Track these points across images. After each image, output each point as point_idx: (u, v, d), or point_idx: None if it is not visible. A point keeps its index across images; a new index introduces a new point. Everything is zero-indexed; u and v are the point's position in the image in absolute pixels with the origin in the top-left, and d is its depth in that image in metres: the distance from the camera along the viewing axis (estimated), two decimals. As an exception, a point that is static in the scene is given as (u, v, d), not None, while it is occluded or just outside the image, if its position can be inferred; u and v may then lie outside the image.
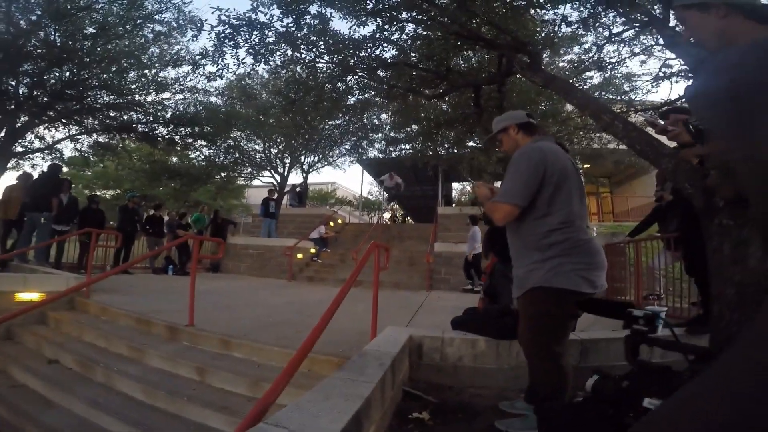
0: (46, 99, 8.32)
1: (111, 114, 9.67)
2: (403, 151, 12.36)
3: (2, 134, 8.11)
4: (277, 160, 15.35)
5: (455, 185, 19.81)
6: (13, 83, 7.79)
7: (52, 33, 7.44)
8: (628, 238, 4.91)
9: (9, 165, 8.56)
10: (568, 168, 1.73)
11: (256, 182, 16.61)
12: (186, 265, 7.99)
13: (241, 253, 9.49)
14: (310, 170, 16.21)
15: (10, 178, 9.83)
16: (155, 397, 2.83)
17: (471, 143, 8.71)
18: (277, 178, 15.26)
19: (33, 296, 4.60)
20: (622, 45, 6.48)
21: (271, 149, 14.99)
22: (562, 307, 1.61)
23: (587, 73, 7.53)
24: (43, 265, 6.02)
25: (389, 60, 6.17)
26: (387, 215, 24.92)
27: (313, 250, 9.40)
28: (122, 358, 3.46)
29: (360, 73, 6.55)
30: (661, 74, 6.65)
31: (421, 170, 12.30)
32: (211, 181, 13.83)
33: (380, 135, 14.10)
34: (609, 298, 4.23)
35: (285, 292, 6.59)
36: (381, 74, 6.64)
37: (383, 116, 12.77)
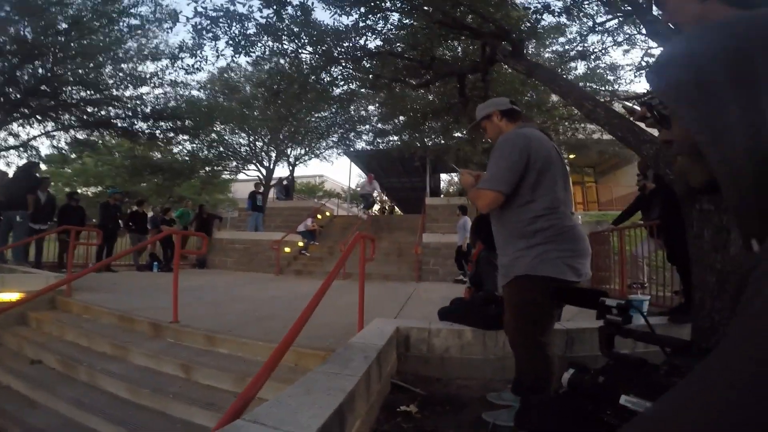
0: (18, 95, 8.03)
1: (88, 110, 9.38)
2: (391, 143, 12.29)
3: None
4: (263, 153, 15.13)
5: (443, 176, 19.86)
6: None
7: (22, 28, 7.15)
8: (612, 226, 4.98)
9: None
10: (552, 154, 1.72)
11: (242, 176, 16.38)
12: (171, 262, 7.85)
13: (227, 248, 9.37)
14: (297, 163, 16.03)
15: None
16: (140, 395, 2.80)
17: (457, 134, 8.70)
18: (264, 171, 15.05)
19: (12, 296, 4.47)
20: (605, 35, 6.52)
21: (257, 142, 14.75)
22: (547, 295, 1.61)
23: (572, 64, 7.56)
24: (21, 265, 5.84)
25: (373, 50, 6.09)
26: (376, 207, 24.89)
27: (300, 244, 9.33)
28: (105, 356, 3.40)
29: (344, 64, 6.46)
30: (643, 64, 6.72)
31: (408, 161, 12.27)
32: (195, 175, 13.57)
33: (367, 127, 13.99)
34: (591, 287, 4.29)
35: (272, 286, 6.54)
36: (366, 64, 6.55)
37: (370, 108, 12.66)
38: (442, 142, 9.08)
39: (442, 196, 17.83)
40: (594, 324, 2.65)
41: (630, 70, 7.82)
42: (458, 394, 2.19)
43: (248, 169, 15.62)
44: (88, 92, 9.03)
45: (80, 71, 8.36)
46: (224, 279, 7.26)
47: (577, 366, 0.83)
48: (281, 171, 15.65)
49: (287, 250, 9.03)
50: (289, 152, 15.52)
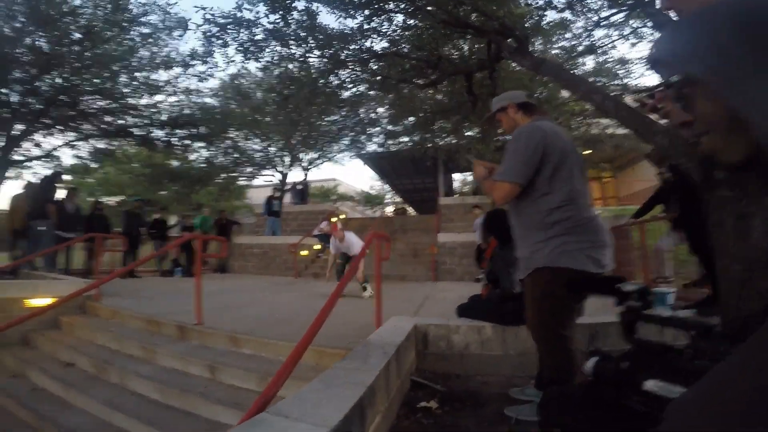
0: (39, 106, 8.31)
1: (106, 119, 9.65)
2: (402, 144, 12.32)
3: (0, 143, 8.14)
4: (277, 158, 15.33)
5: (456, 176, 19.76)
6: (5, 91, 7.77)
7: (39, 39, 7.40)
8: (633, 219, 4.88)
9: (9, 174, 8.59)
10: (568, 147, 1.71)
11: (257, 182, 16.64)
12: (192, 267, 8.05)
13: (246, 253, 9.53)
14: (310, 167, 16.19)
15: (13, 187, 9.91)
16: (168, 396, 2.88)
17: (468, 132, 8.67)
18: (278, 176, 15.27)
19: (44, 301, 4.65)
20: (611, 29, 6.44)
21: (270, 148, 14.97)
22: (567, 288, 1.59)
23: (580, 59, 7.48)
24: (51, 272, 6.08)
25: (379, 52, 6.13)
26: (390, 208, 24.96)
27: (317, 247, 9.42)
28: (135, 358, 3.51)
29: (351, 67, 6.52)
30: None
31: (419, 162, 12.27)
32: (211, 182, 13.84)
33: (378, 129, 14.05)
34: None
35: (291, 288, 6.63)
36: (373, 66, 6.60)
37: (380, 110, 12.73)
38: (454, 141, 9.06)
39: (456, 195, 17.74)
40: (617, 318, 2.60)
41: (639, 64, 7.69)
42: (478, 391, 2.19)
43: (263, 175, 15.86)
44: (106, 102, 9.29)
45: (96, 81, 8.59)
46: (244, 283, 7.39)
47: (600, 354, 0.83)
48: (296, 175, 15.84)
49: (304, 253, 9.13)
50: (302, 156, 15.68)
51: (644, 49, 7.40)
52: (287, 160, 15.27)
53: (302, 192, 14.07)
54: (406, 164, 13.94)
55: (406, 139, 11.82)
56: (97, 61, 8.01)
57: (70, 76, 8.10)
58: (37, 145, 9.71)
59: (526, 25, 5.34)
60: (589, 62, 7.72)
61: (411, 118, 9.59)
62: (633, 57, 8.66)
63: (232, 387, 2.85)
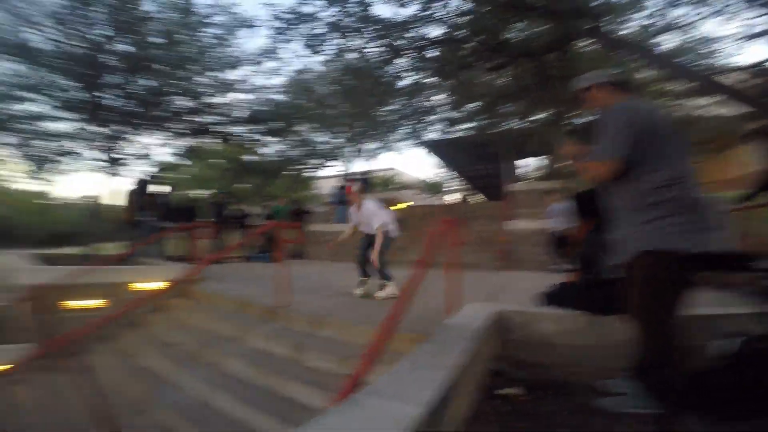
0: (135, 109, 9.28)
1: (191, 118, 10.58)
2: (464, 130, 12.07)
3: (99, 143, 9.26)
4: (341, 149, 15.83)
5: (524, 161, 18.77)
6: (100, 95, 8.76)
7: (122, 44, 8.19)
8: (741, 205, 4.28)
9: (112, 172, 9.79)
10: (665, 125, 1.60)
11: (325, 172, 17.37)
12: (273, 253, 8.70)
13: (320, 240, 10.02)
14: (372, 157, 16.50)
15: (122, 184, 11.34)
16: (257, 375, 3.09)
17: (537, 116, 8.19)
18: (344, 167, 15.80)
19: (156, 285, 5.26)
20: (697, 4, 5.59)
21: (335, 139, 15.48)
22: (672, 271, 1.48)
23: (662, 37, 6.64)
24: (156, 259, 6.94)
25: (438, 39, 6.00)
26: (455, 196, 24.53)
27: (383, 234, 9.57)
28: (228, 339, 3.80)
29: (409, 55, 6.47)
30: (746, 35, 5.61)
31: (483, 147, 11.89)
32: (283, 174, 14.71)
33: (439, 116, 13.85)
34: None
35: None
36: (431, 54, 6.49)
37: (440, 97, 12.53)
38: (521, 125, 8.64)
39: (525, 181, 16.89)
40: (722, 310, 2.34)
41: (730, 43, 6.61)
42: (563, 381, 2.13)
43: (329, 166, 16.49)
44: (189, 102, 10.12)
45: (179, 82, 9.39)
46: (318, 268, 7.76)
47: (747, 334, 0.77)
48: (359, 166, 16.37)
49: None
50: (364, 147, 16.01)
51: (735, 26, 6.38)
52: (351, 150, 15.70)
53: (366, 181, 14.40)
54: (469, 150, 13.54)
55: (467, 125, 11.57)
56: (177, 64, 8.78)
57: (155, 79, 8.97)
58: (133, 144, 10.94)
59: (599, 4, 4.86)
60: (671, 40, 6.83)
61: (473, 104, 9.35)
62: (721, 35, 7.45)
63: (312, 369, 2.99)
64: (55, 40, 7.53)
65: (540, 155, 14.56)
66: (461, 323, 2.19)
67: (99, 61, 7.94)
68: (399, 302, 1.83)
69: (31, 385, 4.38)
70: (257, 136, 11.76)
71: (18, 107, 8.02)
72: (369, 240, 4.40)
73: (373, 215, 4.28)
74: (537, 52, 5.53)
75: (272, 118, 11.07)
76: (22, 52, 7.28)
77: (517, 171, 18.20)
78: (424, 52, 6.37)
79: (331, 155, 15.83)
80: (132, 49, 8.15)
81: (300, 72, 12.64)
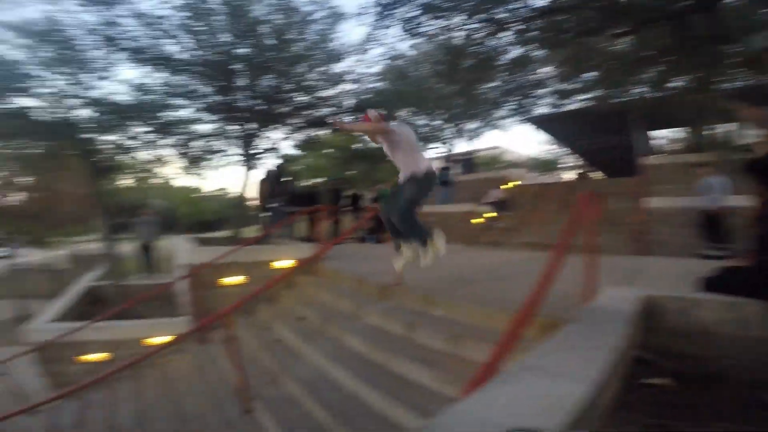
0: (259, 106, 10.41)
1: (306, 112, 11.50)
2: (581, 102, 10.84)
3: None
4: (441, 131, 15.59)
5: (657, 132, 15.96)
6: (233, 97, 9.98)
7: (243, 49, 9.05)
8: None
9: (248, 165, 11.25)
10: None
11: (426, 155, 17.38)
12: (382, 234, 9.18)
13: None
14: (475, 136, 15.92)
15: (256, 175, 12.97)
16: (373, 351, 3.22)
17: (677, 83, 6.84)
18: (445, 148, 15.58)
19: (287, 263, 5.92)
20: None
21: (435, 121, 15.29)
22: None
23: None
24: (287, 240, 7.85)
25: (550, 5, 5.38)
26: (572, 173, 22.31)
27: (489, 215, 9.26)
28: (348, 315, 4.07)
29: (516, 27, 5.96)
30: None
31: (606, 120, 10.48)
32: (385, 160, 15.14)
33: (548, 89, 12.62)
34: None
35: (468, 255, 6.72)
36: (543, 23, 5.88)
37: (548, 69, 11.37)
38: (655, 93, 7.36)
39: (662, 154, 14.39)
40: None
41: None
42: (722, 374, 1.83)
43: (429, 148, 16.42)
44: (304, 97, 10.87)
45: (295, 79, 10.12)
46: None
47: None
48: (460, 146, 16.00)
49: (478, 221, 9.13)
50: (466, 126, 15.51)
51: None
52: (451, 131, 15.37)
53: (469, 162, 14.02)
54: (587, 123, 12.05)
55: (584, 96, 10.36)
56: (291, 62, 9.56)
57: (275, 79, 9.91)
58: (265, 139, 12.42)
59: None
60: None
61: (591, 73, 8.31)
62: None
63: (423, 346, 3.04)
64: (192, 49, 8.85)
65: (679, 125, 12.29)
66: (605, 307, 2.03)
67: (228, 67, 9.13)
68: (539, 287, 1.74)
69: (187, 354, 5.31)
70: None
71: (172, 113, 9.71)
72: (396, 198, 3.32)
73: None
74: (679, 12, 4.61)
75: (374, 105, 11.40)
76: (167, 63, 8.73)
77: (652, 143, 15.62)
78: (534, 22, 5.83)
79: (432, 137, 15.73)
80: (251, 51, 9.16)
81: (398, 57, 12.71)
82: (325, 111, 11.60)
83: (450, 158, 14.07)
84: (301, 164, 14.97)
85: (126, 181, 11.92)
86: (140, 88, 8.81)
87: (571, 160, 23.06)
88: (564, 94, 11.44)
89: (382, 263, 5.42)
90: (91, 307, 7.43)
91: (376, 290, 4.21)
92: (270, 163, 10.93)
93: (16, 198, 13.30)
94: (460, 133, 15.55)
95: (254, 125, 10.28)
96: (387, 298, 4.00)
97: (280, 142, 11.53)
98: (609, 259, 5.78)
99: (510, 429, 0.79)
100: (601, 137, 13.97)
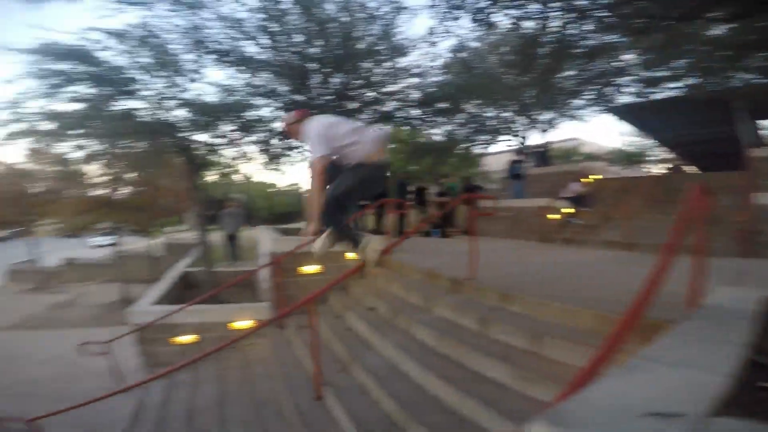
0: (332, 103, 10.74)
1: (373, 108, 11.69)
2: (669, 90, 9.84)
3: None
4: (512, 123, 14.93)
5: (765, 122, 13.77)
6: (308, 95, 10.38)
7: (314, 48, 9.35)
8: None
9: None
10: None
11: (494, 148, 16.78)
12: (446, 228, 9.11)
13: (491, 216, 9.87)
14: (550, 128, 15.01)
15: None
16: (443, 344, 3.22)
17: None
18: (516, 140, 14.91)
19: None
20: None
21: (505, 113, 14.69)
22: None
23: None
24: (360, 232, 8.11)
25: None
26: (660, 166, 20.20)
27: (567, 210, 8.72)
28: (417, 307, 4.09)
29: (598, 15, 5.52)
30: None
31: (706, 108, 9.33)
32: (452, 153, 14.91)
33: (632, 77, 11.54)
34: None
35: (542, 252, 6.43)
36: (628, 10, 5.38)
37: (631, 56, 10.38)
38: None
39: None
40: None
41: None
42: None
43: (498, 141, 15.83)
44: (372, 92, 11.01)
45: (364, 75, 10.30)
46: (494, 245, 7.66)
47: None
48: (533, 139, 15.18)
49: (554, 216, 8.65)
50: (538, 118, 14.69)
51: None
52: (523, 123, 14.66)
53: (542, 154, 13.34)
54: (680, 113, 10.82)
55: (674, 84, 9.43)
56: (358, 58, 9.72)
57: (344, 75, 10.17)
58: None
59: None
60: None
61: (684, 60, 7.67)
62: None
63: (499, 342, 2.97)
64: (269, 48, 9.39)
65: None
66: (722, 307, 1.89)
67: (301, 66, 9.60)
68: (648, 286, 1.65)
69: (265, 338, 5.60)
70: (429, 118, 12.19)
71: (254, 113, 10.44)
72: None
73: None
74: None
75: (441, 98, 11.27)
76: (248, 64, 9.36)
77: (761, 134, 13.56)
78: (620, 8, 5.38)
79: (502, 130, 15.13)
80: (323, 50, 9.54)
81: (464, 48, 12.40)
82: (392, 105, 11.74)
83: (522, 151, 13.46)
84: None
85: (214, 177, 13.13)
86: (226, 89, 9.59)
87: (659, 152, 20.88)
88: (651, 83, 10.49)
89: (450, 257, 5.40)
90: (184, 291, 8.30)
91: (447, 283, 4.18)
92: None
93: (123, 192, 14.85)
94: (533, 125, 14.82)
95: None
96: (459, 292, 3.96)
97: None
98: (712, 260, 5.17)
99: (652, 413, 0.79)
100: (697, 128, 12.49)
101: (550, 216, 8.51)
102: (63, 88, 8.50)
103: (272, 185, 35.37)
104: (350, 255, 6.25)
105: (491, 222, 9.84)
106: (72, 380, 6.09)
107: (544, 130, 15.05)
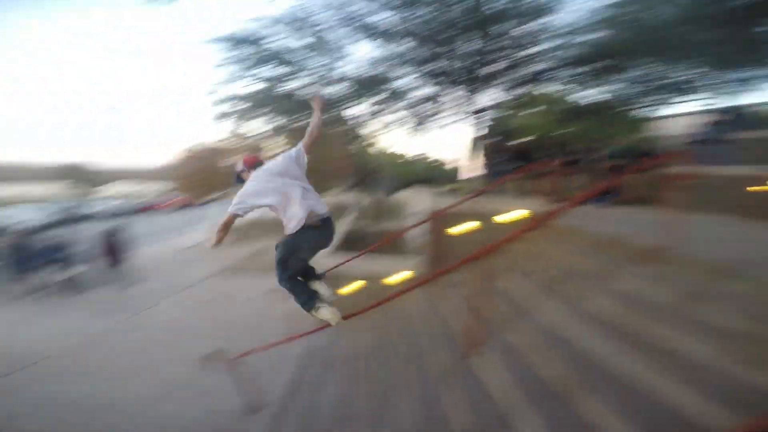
0: (473, 69, 10.48)
1: (517, 71, 10.93)
2: None
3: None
4: (698, 81, 12.17)
5: None
6: (449, 63, 10.18)
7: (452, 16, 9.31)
8: None
9: (466, 126, 11.60)
10: None
11: (676, 110, 14.00)
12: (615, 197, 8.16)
13: (678, 185, 8.43)
14: (745, 88, 11.77)
15: (464, 137, 13.20)
16: (629, 319, 2.89)
17: None
18: (706, 101, 12.21)
19: (522, 212, 5.87)
20: None
21: (687, 71, 12.01)
22: None
23: None
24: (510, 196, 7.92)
25: None
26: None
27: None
28: (589, 276, 3.76)
29: None
30: None
31: None
32: (618, 114, 13.03)
33: None
34: None
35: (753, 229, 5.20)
36: None
37: None
38: None
39: None
40: None
41: None
42: None
43: (681, 102, 13.11)
44: (516, 53, 10.59)
45: (506, 37, 9.97)
46: (681, 218, 6.49)
47: None
48: (726, 99, 12.13)
49: (759, 188, 6.85)
50: (733, 76, 11.64)
51: None
52: (712, 81, 11.90)
53: (742, 117, 10.81)
54: None
55: None
56: (498, 20, 9.33)
57: (485, 40, 9.75)
58: (479, 102, 12.48)
59: None
60: None
61: None
62: None
63: (705, 321, 2.58)
64: (413, 18, 9.48)
65: None
66: None
67: (442, 35, 9.50)
68: None
69: (420, 293, 5.47)
70: (585, 78, 10.93)
71: (399, 83, 10.79)
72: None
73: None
74: None
75: (600, 56, 9.92)
76: (392, 35, 9.65)
77: None
78: None
79: (684, 89, 12.48)
80: (461, 17, 9.23)
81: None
82: (538, 67, 10.84)
83: (716, 112, 11.13)
84: (515, 123, 14.52)
85: (366, 146, 14.28)
86: (372, 62, 10.19)
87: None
88: None
89: (625, 226, 4.85)
90: (349, 245, 9.39)
91: (634, 253, 3.79)
92: (486, 124, 11.07)
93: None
94: (721, 82, 11.95)
95: (469, 87, 10.53)
96: (650, 263, 3.56)
97: (495, 103, 11.46)
98: None
99: None
100: None
101: (753, 188, 6.76)
102: (251, 70, 10.28)
103: (402, 156, 36.50)
104: (509, 216, 6.03)
105: (674, 192, 8.36)
106: (263, 321, 6.48)
107: (740, 91, 12.07)
